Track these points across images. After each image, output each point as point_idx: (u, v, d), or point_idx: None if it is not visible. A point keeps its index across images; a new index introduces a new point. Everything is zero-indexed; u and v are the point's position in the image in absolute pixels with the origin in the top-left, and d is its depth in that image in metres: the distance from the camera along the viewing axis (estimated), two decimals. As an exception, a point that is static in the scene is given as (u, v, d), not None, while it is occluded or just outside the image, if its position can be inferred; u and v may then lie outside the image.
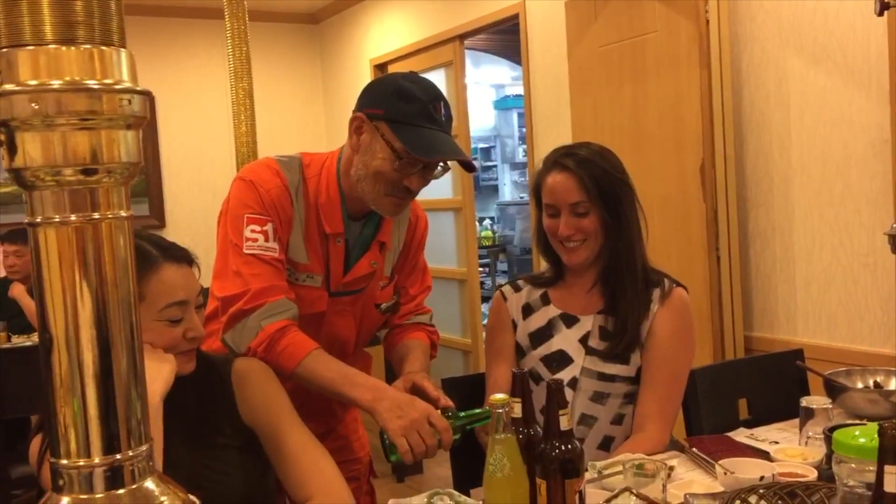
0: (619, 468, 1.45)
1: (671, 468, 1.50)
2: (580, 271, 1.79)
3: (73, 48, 0.56)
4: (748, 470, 1.44)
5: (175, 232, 5.33)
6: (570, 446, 1.22)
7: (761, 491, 1.28)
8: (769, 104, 2.87)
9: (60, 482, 0.58)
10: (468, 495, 1.53)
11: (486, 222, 7.98)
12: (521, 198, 7.99)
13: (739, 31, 2.95)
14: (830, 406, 1.65)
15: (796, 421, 1.70)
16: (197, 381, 1.38)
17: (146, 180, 5.53)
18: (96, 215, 0.58)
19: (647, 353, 1.72)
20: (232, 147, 3.69)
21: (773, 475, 1.40)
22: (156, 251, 1.32)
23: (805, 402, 1.66)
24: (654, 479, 1.31)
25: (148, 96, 0.60)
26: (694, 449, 1.65)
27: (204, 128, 5.65)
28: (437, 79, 4.80)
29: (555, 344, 1.76)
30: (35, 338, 3.65)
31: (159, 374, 1.26)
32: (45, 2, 0.55)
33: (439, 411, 1.50)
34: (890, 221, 2.17)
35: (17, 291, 3.97)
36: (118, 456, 0.59)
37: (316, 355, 1.56)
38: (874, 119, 2.54)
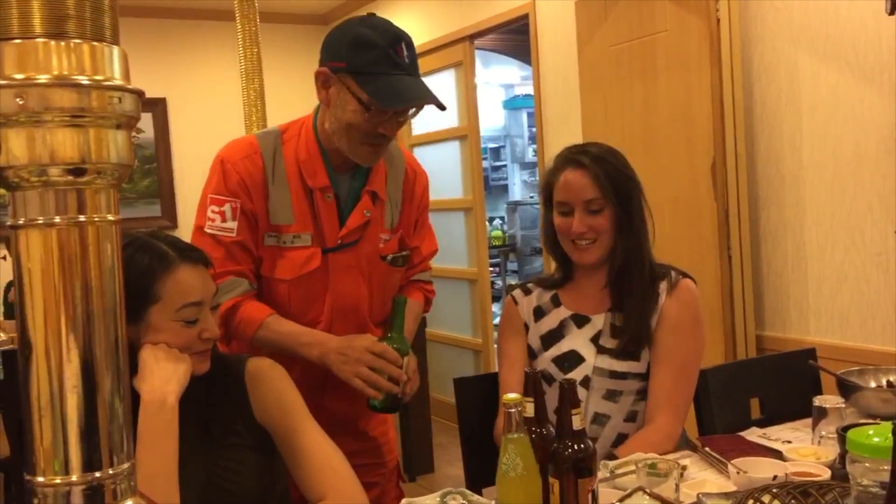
0: (632, 467, 1.45)
1: (684, 468, 1.50)
2: (589, 271, 1.79)
3: (62, 42, 0.52)
4: (761, 469, 1.43)
5: (187, 233, 5.31)
6: (582, 446, 1.22)
7: (774, 490, 1.28)
8: (780, 103, 2.87)
9: (35, 501, 0.55)
10: (481, 494, 1.54)
11: (497, 222, 7.98)
12: (532, 197, 7.98)
13: (750, 30, 2.94)
14: (843, 405, 1.64)
15: (809, 420, 1.70)
16: (210, 380, 1.39)
17: (158, 181, 5.56)
18: (82, 218, 0.54)
19: (655, 345, 1.72)
20: (243, 148, 3.71)
21: (787, 475, 1.40)
22: (173, 252, 1.33)
23: (818, 401, 1.65)
24: (667, 478, 1.31)
25: (140, 95, 0.57)
26: (706, 448, 1.65)
27: (215, 129, 5.66)
28: (448, 79, 4.81)
29: (566, 344, 1.76)
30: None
31: (175, 374, 1.27)
32: None
33: (377, 338, 1.59)
34: (903, 220, 2.16)
35: None
36: (98, 474, 0.55)
37: (267, 323, 1.62)
38: (886, 117, 2.53)
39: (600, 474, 1.43)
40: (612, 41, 3.33)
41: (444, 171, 4.86)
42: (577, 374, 1.73)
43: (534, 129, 4.66)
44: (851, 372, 1.92)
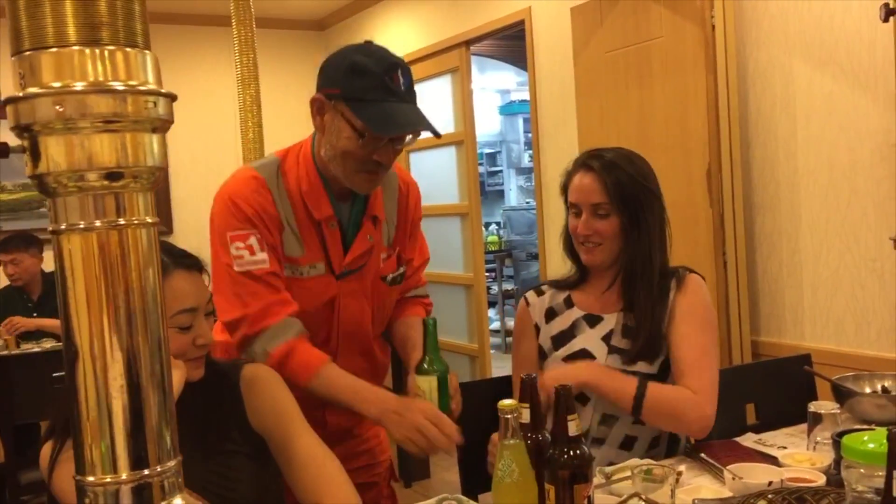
0: (628, 473, 1.45)
1: (679, 473, 1.51)
2: (601, 272, 1.80)
3: (96, 50, 0.54)
4: (756, 475, 1.43)
5: (182, 238, 5.35)
6: (578, 452, 1.22)
7: (770, 496, 1.28)
8: (775, 109, 2.88)
9: (86, 500, 0.56)
10: (477, 501, 1.54)
11: (492, 227, 7.98)
12: (528, 203, 7.99)
13: (745, 36, 2.95)
14: (838, 411, 1.65)
15: (804, 426, 1.70)
16: (205, 387, 1.39)
17: (154, 186, 5.56)
18: (122, 221, 0.55)
19: (670, 337, 1.71)
20: (239, 153, 3.71)
21: (782, 480, 1.40)
22: (166, 258, 1.32)
23: (813, 406, 1.65)
24: (663, 484, 1.31)
25: (173, 99, 0.58)
26: (702, 454, 1.65)
27: (211, 134, 5.67)
28: (444, 84, 4.82)
29: (578, 343, 1.77)
30: (44, 344, 3.68)
31: (169, 380, 1.27)
32: (68, 3, 0.53)
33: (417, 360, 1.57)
34: (897, 226, 2.17)
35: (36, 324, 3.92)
36: (146, 472, 0.56)
37: (323, 374, 1.57)
38: (881, 124, 2.54)
39: (596, 480, 1.43)
40: (608, 47, 3.34)
41: (440, 177, 4.86)
42: None
43: (530, 135, 4.67)
44: (846, 377, 1.92)
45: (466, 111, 4.67)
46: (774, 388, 2.07)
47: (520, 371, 1.82)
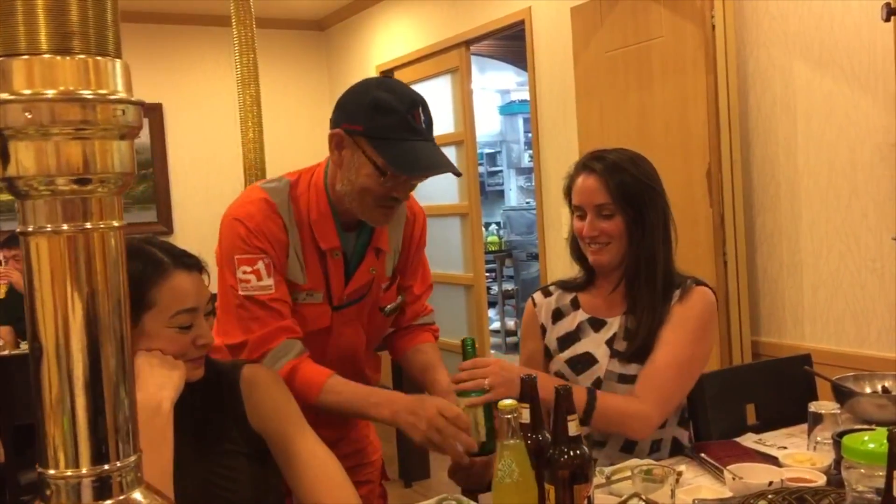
0: (628, 473, 1.45)
1: (680, 473, 1.50)
2: (608, 273, 1.79)
3: (67, 58, 0.55)
4: (757, 475, 1.43)
5: (183, 238, 5.35)
6: (578, 452, 1.22)
7: (770, 496, 1.28)
8: (775, 109, 2.87)
9: (48, 492, 0.58)
10: (476, 501, 1.54)
11: (492, 227, 7.98)
12: (528, 203, 7.99)
13: (745, 37, 2.95)
14: (838, 411, 1.65)
15: (804, 426, 1.70)
16: (205, 387, 1.39)
17: (154, 187, 5.56)
18: (88, 225, 0.57)
19: (655, 342, 1.69)
20: (239, 153, 3.71)
21: (782, 480, 1.40)
22: (167, 258, 1.32)
23: (813, 407, 1.65)
24: (663, 484, 1.31)
25: (142, 106, 0.60)
26: (702, 454, 1.65)
27: (211, 134, 5.67)
28: (443, 84, 4.82)
29: (581, 347, 1.77)
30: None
31: (170, 380, 1.27)
32: (40, 12, 0.54)
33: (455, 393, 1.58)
34: (897, 226, 2.17)
35: None
36: (106, 467, 0.58)
37: (329, 387, 1.57)
38: (881, 124, 2.54)
39: (596, 480, 1.43)
40: (608, 47, 3.34)
41: (439, 177, 4.83)
42: (589, 376, 1.73)
43: (530, 135, 4.67)
44: (847, 378, 1.92)
45: (466, 111, 4.67)
46: (775, 389, 2.06)
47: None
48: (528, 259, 7.12)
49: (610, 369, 1.72)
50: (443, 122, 4.89)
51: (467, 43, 4.59)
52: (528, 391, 1.34)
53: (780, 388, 2.07)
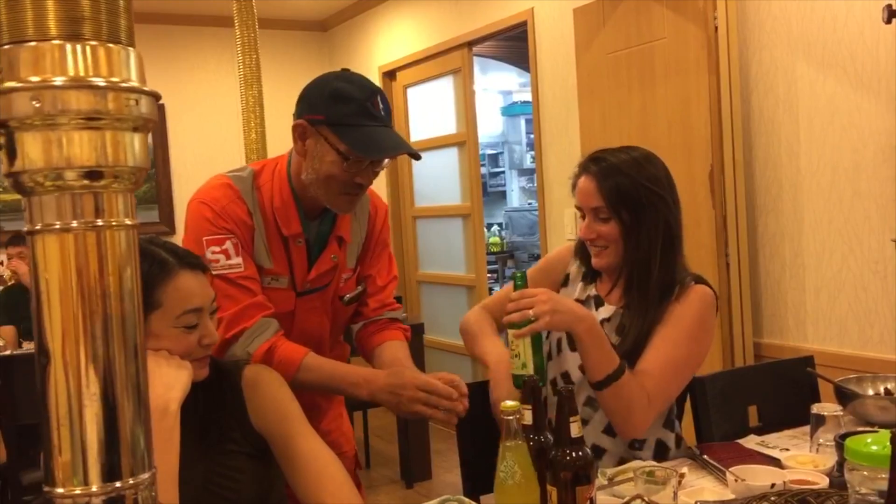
0: (630, 475, 1.45)
1: (682, 475, 1.50)
2: (609, 274, 1.79)
3: (78, 45, 0.51)
4: (759, 477, 1.43)
5: (184, 238, 5.35)
6: (580, 453, 1.22)
7: (773, 498, 1.28)
8: (778, 110, 2.87)
9: None
10: (479, 502, 1.54)
11: (494, 228, 7.98)
12: (530, 204, 7.99)
13: (748, 38, 2.95)
14: (841, 413, 1.64)
15: (807, 428, 1.70)
16: (207, 387, 1.39)
17: (156, 187, 5.56)
18: (100, 222, 0.53)
19: (650, 338, 1.68)
20: (242, 154, 3.71)
21: (785, 482, 1.40)
22: (172, 258, 1.33)
23: (816, 408, 1.65)
24: (665, 486, 1.31)
25: (156, 98, 0.56)
26: (704, 456, 1.65)
27: (214, 135, 5.67)
28: (446, 85, 4.82)
29: None
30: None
31: (177, 381, 1.27)
32: None
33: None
34: (900, 228, 2.16)
35: None
36: (118, 484, 0.53)
37: (306, 365, 1.63)
38: (883, 125, 2.54)
39: (598, 482, 1.43)
40: (611, 48, 3.33)
41: (442, 178, 4.86)
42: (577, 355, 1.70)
43: (532, 136, 4.67)
44: (849, 379, 1.92)
45: (468, 112, 4.67)
46: (777, 390, 2.06)
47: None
48: (530, 260, 7.13)
49: None
50: (445, 123, 4.89)
51: (470, 44, 4.59)
52: (530, 392, 1.34)
53: (782, 390, 2.07)
